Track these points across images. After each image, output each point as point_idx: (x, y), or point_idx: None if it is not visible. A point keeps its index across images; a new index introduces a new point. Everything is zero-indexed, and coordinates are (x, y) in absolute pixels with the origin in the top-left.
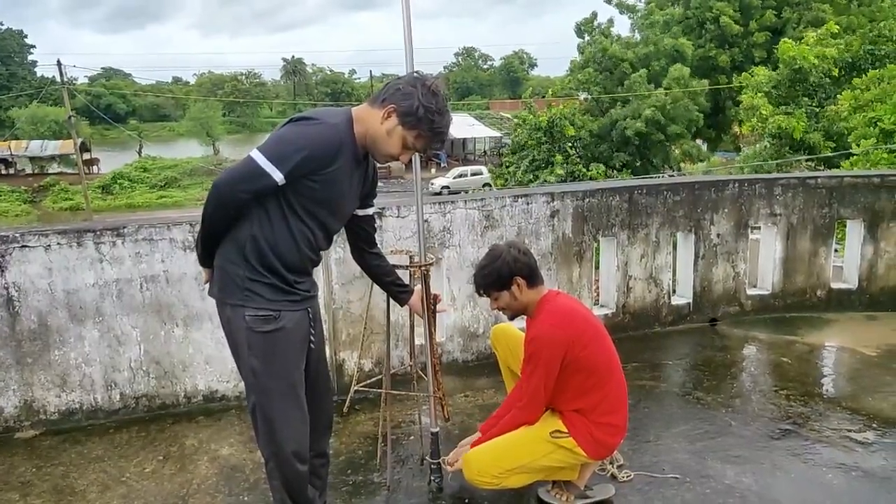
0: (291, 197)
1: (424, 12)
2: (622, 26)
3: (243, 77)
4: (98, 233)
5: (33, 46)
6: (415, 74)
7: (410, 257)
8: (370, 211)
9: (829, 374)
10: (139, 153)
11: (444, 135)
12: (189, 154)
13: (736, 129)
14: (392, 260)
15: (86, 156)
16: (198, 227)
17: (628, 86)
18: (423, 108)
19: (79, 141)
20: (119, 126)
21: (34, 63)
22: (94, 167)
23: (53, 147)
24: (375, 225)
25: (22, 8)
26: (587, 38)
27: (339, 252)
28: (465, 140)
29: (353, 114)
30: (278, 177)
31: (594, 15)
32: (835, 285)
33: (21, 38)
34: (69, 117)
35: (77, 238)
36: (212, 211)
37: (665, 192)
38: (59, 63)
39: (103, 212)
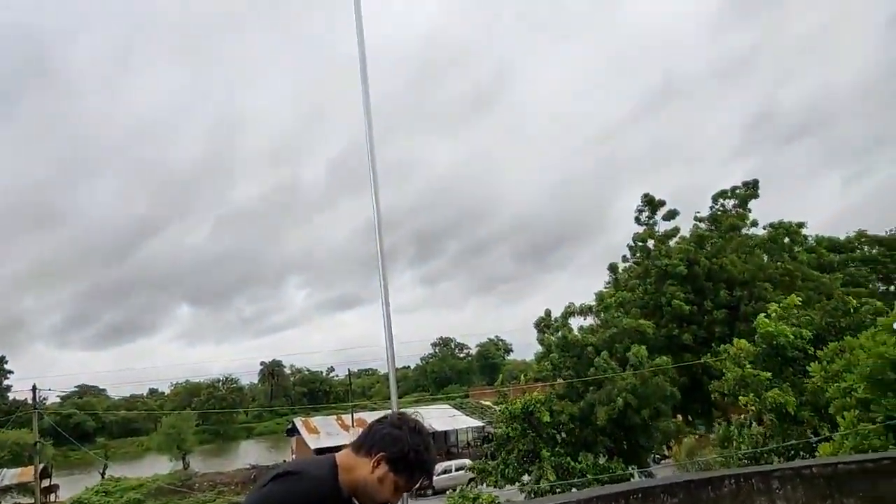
0: None
1: (403, 307)
2: (579, 319)
3: (220, 384)
4: None
5: (11, 372)
6: (397, 416)
7: None
8: None
9: None
10: (103, 475)
11: (432, 470)
12: (158, 470)
13: (721, 401)
14: None
15: (45, 482)
16: None
17: (596, 369)
18: (412, 451)
19: (40, 467)
20: (83, 448)
21: (8, 388)
22: (53, 495)
23: (11, 476)
24: None
25: (12, 333)
26: (546, 333)
27: None
28: (446, 432)
29: (337, 462)
30: None
31: (548, 313)
32: None
33: (1, 364)
34: (36, 443)
35: None
36: None
37: (661, 496)
38: (33, 388)
39: None
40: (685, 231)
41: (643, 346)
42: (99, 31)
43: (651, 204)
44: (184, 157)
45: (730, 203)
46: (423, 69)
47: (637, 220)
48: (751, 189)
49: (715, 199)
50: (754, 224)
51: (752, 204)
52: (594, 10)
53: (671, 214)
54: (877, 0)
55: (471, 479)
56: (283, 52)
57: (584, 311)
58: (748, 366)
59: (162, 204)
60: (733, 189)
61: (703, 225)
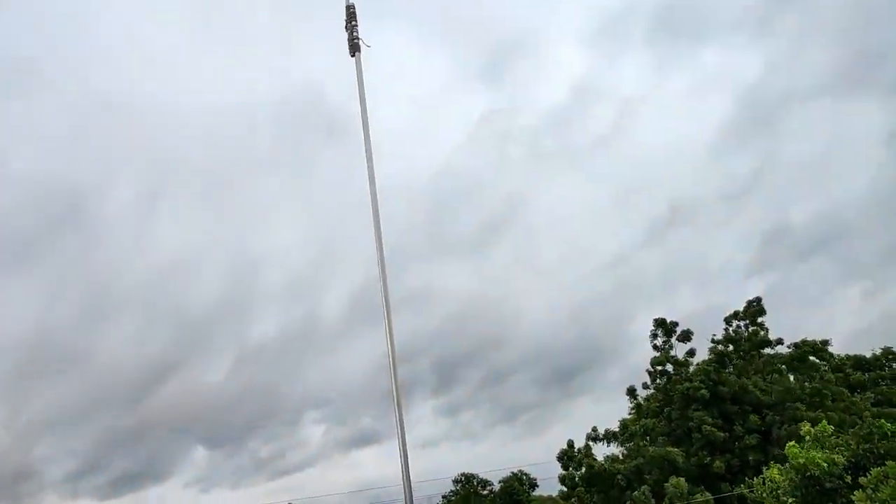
0: None
1: (424, 440)
2: (602, 449)
3: None
4: None
5: None
6: None
7: None
8: None
9: None
10: None
11: None
12: None
13: None
14: None
15: None
16: None
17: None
18: None
19: None
20: None
21: None
22: None
23: None
24: None
25: (24, 483)
26: (570, 468)
27: None
28: None
29: None
30: None
31: (570, 444)
32: None
33: None
34: None
35: None
36: None
37: None
38: None
39: None
40: (702, 353)
41: (682, 479)
42: (132, 178)
43: (664, 327)
44: (203, 298)
45: (742, 324)
46: (436, 202)
47: (653, 345)
48: (756, 306)
49: (728, 320)
50: (779, 342)
51: (771, 322)
52: (599, 142)
53: (685, 335)
54: (869, 121)
55: None
56: (302, 191)
57: (609, 436)
58: (789, 500)
59: (179, 345)
60: (746, 308)
61: (720, 347)
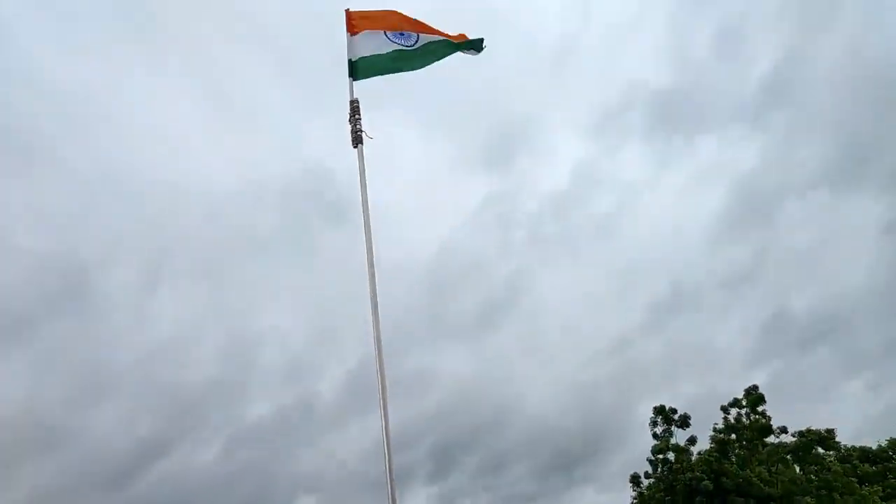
0: None
1: None
2: None
3: None
4: None
5: None
6: None
7: None
8: None
9: None
10: None
11: None
12: None
13: None
14: None
15: None
16: None
17: None
18: None
19: None
20: None
21: None
22: None
23: None
24: None
25: None
26: None
27: None
28: None
29: None
30: None
31: None
32: None
33: None
34: None
35: None
36: None
37: None
38: None
39: None
40: (704, 440)
41: None
42: (134, 256)
43: (663, 413)
44: (198, 377)
45: (743, 412)
46: (437, 284)
47: (653, 433)
48: (755, 393)
49: (725, 409)
50: (783, 430)
51: (774, 411)
52: (600, 228)
53: (684, 420)
54: (866, 213)
55: None
56: (303, 272)
57: None
58: None
59: (171, 425)
60: (746, 396)
61: (721, 436)
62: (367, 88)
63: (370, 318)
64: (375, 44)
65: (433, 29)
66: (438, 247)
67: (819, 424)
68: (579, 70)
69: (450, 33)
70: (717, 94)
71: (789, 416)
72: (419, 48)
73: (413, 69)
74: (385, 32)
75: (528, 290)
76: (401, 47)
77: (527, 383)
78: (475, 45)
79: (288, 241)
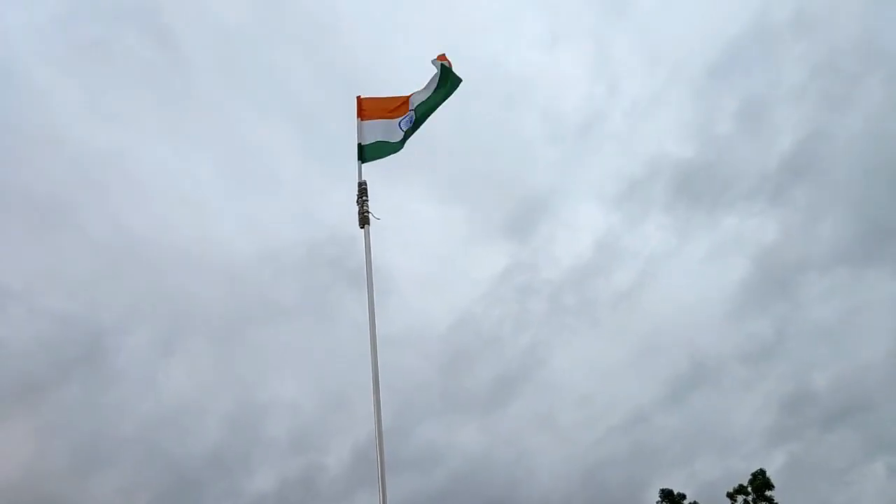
0: None
1: None
2: None
3: None
4: None
5: None
6: None
7: None
8: None
9: None
10: None
11: None
12: None
13: None
14: None
15: None
16: None
17: None
18: None
19: None
20: None
21: None
22: None
23: None
24: None
25: None
26: None
27: None
28: None
29: None
30: None
31: None
32: None
33: None
34: None
35: None
36: None
37: None
38: None
39: None
40: None
41: None
42: (150, 322)
43: (670, 498)
44: (201, 447)
45: (750, 499)
46: (453, 355)
47: None
48: (761, 478)
49: (731, 496)
50: None
51: (790, 494)
52: (620, 299)
53: None
54: (886, 290)
55: None
56: (315, 341)
57: None
58: None
59: (172, 496)
60: (752, 482)
61: None
62: (391, 157)
63: (371, 397)
64: (387, 132)
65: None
66: (456, 318)
67: None
68: (603, 141)
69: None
70: (739, 167)
71: (807, 498)
72: (417, 119)
73: (402, 147)
74: (398, 122)
75: (544, 363)
76: (403, 133)
77: (538, 460)
78: (454, 82)
79: (307, 310)
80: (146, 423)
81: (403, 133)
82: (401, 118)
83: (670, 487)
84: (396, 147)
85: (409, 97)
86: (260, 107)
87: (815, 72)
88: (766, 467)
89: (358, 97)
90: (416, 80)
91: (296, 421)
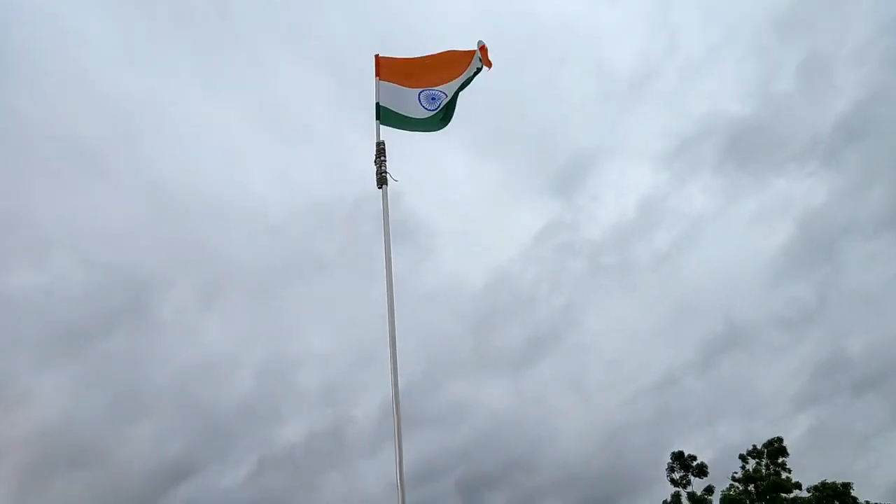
0: None
1: None
2: None
3: None
4: None
5: None
6: None
7: None
8: None
9: None
10: None
11: None
12: None
13: None
14: None
15: None
16: None
17: None
18: None
19: None
20: None
21: None
22: None
23: None
24: None
25: None
26: None
27: None
28: None
29: None
30: None
31: None
32: None
33: None
34: None
35: None
36: None
37: None
38: None
39: None
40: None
41: None
42: (192, 275)
43: (681, 460)
44: (233, 399)
45: (764, 462)
46: (487, 313)
47: (670, 479)
48: (777, 445)
49: (743, 458)
50: (797, 486)
51: (810, 457)
52: (660, 260)
53: (701, 469)
54: None
55: None
56: (355, 293)
57: None
58: None
59: (202, 446)
60: (767, 446)
61: (739, 486)
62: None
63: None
64: (406, 103)
65: (456, 62)
66: (492, 276)
67: (857, 475)
68: (655, 98)
69: (468, 49)
70: (793, 128)
71: (827, 462)
72: (442, 109)
73: (437, 129)
74: (418, 96)
75: (577, 324)
76: (430, 113)
77: (563, 420)
78: (479, 70)
79: (347, 264)
80: (182, 375)
81: (431, 113)
82: (419, 90)
83: (683, 450)
84: (415, 125)
85: (425, 62)
86: (297, 59)
87: (881, 30)
88: (790, 432)
89: (376, 55)
90: (458, 36)
91: (327, 374)
